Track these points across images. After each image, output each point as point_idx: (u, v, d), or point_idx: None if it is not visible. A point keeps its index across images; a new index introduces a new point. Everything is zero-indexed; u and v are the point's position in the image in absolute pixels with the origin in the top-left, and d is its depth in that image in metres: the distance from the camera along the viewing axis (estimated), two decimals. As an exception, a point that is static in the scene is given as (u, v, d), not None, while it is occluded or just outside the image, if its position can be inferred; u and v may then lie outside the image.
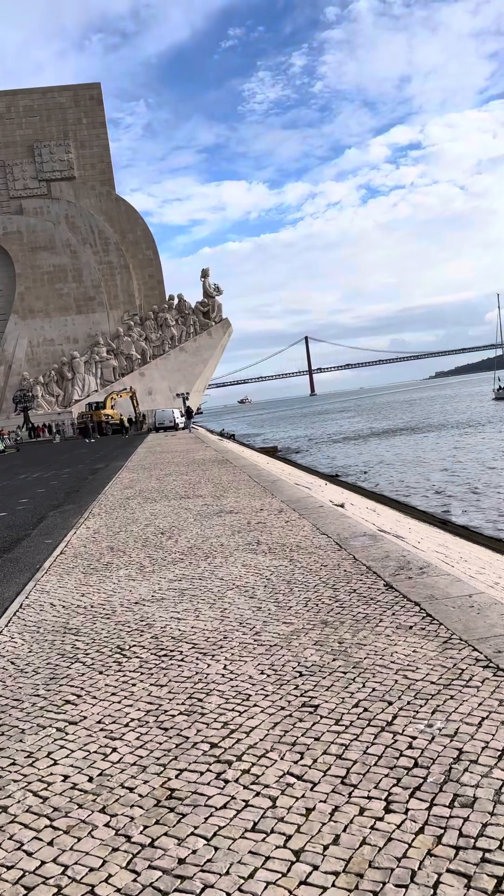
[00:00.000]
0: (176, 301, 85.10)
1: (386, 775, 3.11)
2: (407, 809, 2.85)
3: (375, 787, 3.02)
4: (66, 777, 3.35)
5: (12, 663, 5.07)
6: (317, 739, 3.47)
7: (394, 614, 5.23)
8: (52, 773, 3.39)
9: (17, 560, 9.02)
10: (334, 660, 4.46)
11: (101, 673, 4.66)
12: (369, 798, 2.95)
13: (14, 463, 34.38)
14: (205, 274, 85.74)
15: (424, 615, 5.14)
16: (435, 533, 13.44)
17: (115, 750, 3.58)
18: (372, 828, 2.75)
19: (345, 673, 4.23)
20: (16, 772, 3.44)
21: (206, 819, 2.90)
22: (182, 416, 58.71)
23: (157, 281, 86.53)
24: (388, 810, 2.86)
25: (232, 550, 8.18)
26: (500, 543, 15.73)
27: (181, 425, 57.75)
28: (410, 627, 4.91)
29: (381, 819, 2.80)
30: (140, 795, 3.13)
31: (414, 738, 3.40)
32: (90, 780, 3.31)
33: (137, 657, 4.88)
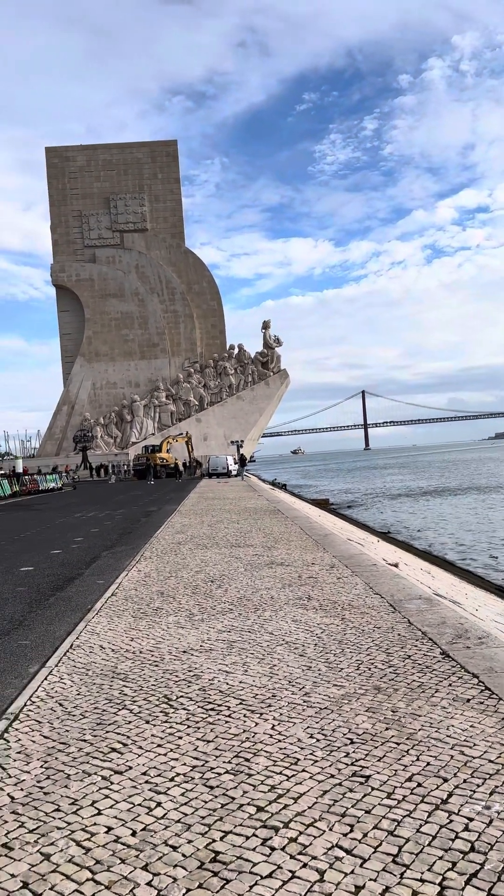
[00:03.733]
0: (236, 350, 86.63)
1: (440, 857, 2.96)
2: (463, 898, 2.70)
3: (429, 870, 2.87)
4: (109, 829, 3.30)
5: (60, 705, 5.07)
6: (367, 812, 3.34)
7: (450, 685, 5.05)
8: (95, 824, 3.35)
9: (70, 599, 9.11)
10: (387, 729, 4.31)
11: (147, 722, 4.61)
12: (422, 881, 2.81)
13: (71, 501, 35.05)
14: (266, 325, 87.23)
15: (483, 688, 4.94)
16: (492, 600, 13.00)
17: (159, 804, 3.52)
18: (425, 915, 2.61)
19: (398, 744, 4.08)
20: (60, 818, 3.41)
21: (251, 887, 2.80)
22: (235, 464, 59.01)
23: (219, 330, 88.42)
24: (442, 897, 2.72)
25: (282, 604, 8.08)
26: None
27: (234, 472, 57.99)
28: (468, 700, 4.73)
29: (434, 906, 2.66)
30: (184, 855, 3.05)
31: (471, 819, 3.24)
32: (133, 833, 3.25)
33: (185, 709, 4.83)
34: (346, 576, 9.77)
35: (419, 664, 5.59)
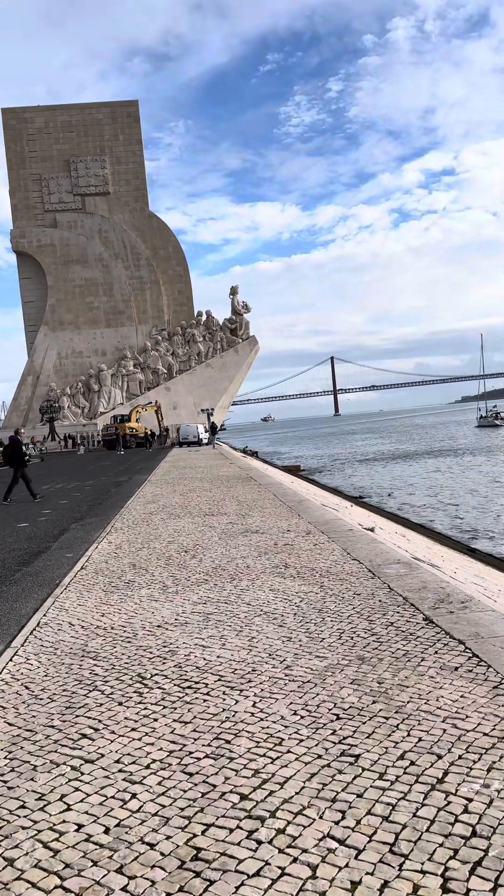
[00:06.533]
0: (204, 317, 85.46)
1: (440, 844, 2.74)
2: (468, 890, 2.48)
3: (429, 860, 2.65)
4: (80, 826, 3.02)
5: (27, 688, 4.76)
6: (359, 796, 3.11)
7: (436, 653, 4.85)
8: (64, 821, 3.07)
9: (37, 574, 8.75)
10: (374, 702, 4.09)
11: (120, 704, 4.33)
12: (423, 872, 2.58)
13: (38, 473, 34.35)
14: (234, 291, 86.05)
15: (470, 655, 4.75)
16: (468, 562, 12.96)
17: (134, 796, 3.25)
18: (428, 912, 2.39)
19: (387, 718, 3.86)
20: (25, 817, 3.12)
21: (237, 889, 2.55)
22: (206, 432, 58.63)
23: (186, 297, 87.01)
24: (445, 889, 2.49)
25: (258, 573, 7.84)
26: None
27: (205, 441, 57.63)
28: (456, 669, 4.53)
29: (438, 901, 2.44)
30: (162, 854, 2.79)
31: (469, 800, 3.02)
32: (106, 831, 2.98)
33: (160, 688, 4.55)
34: (323, 542, 9.56)
35: (403, 631, 5.39)
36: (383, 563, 7.98)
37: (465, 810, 2.95)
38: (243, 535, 10.58)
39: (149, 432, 63.61)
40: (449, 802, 3.01)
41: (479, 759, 3.36)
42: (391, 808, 3.01)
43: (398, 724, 3.78)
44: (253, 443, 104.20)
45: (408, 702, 4.06)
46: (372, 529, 11.58)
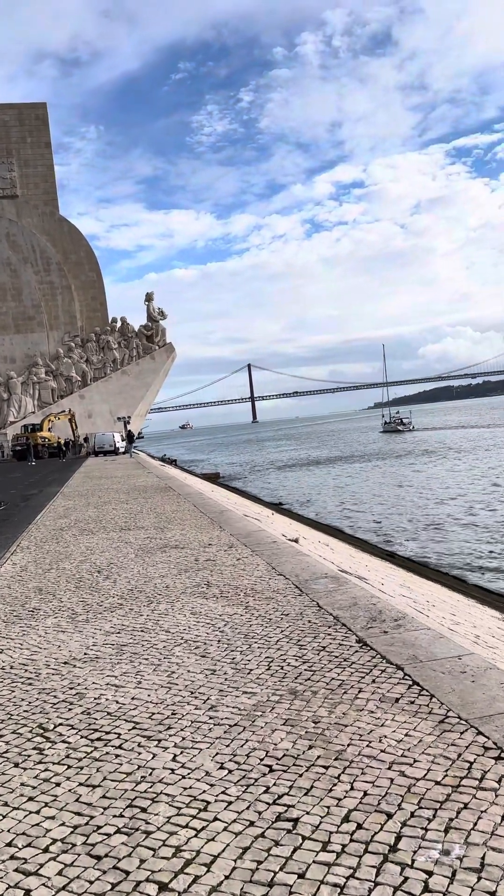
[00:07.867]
0: (119, 324, 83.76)
1: (400, 939, 2.28)
2: None
3: None
4: None
5: None
6: (301, 876, 2.62)
7: (374, 681, 4.43)
8: None
9: None
10: (311, 747, 3.61)
11: (16, 765, 3.68)
12: None
13: None
14: (149, 298, 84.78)
15: (411, 683, 4.36)
16: (391, 570, 12.78)
17: (28, 894, 2.64)
18: None
19: (326, 768, 3.39)
20: None
21: None
22: (123, 441, 57.36)
23: (99, 303, 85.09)
24: None
25: (178, 594, 7.28)
26: (448, 578, 15.27)
27: (122, 450, 56.34)
28: (397, 700, 4.12)
29: None
30: None
31: (429, 873, 2.58)
32: None
33: (64, 741, 3.93)
34: (247, 556, 9.08)
35: (336, 657, 4.96)
36: (310, 577, 7.58)
37: (426, 889, 2.50)
38: (162, 550, 9.98)
39: (62, 442, 61.61)
40: (406, 878, 2.56)
41: (434, 816, 2.93)
42: (339, 890, 2.53)
43: (339, 775, 3.32)
44: (171, 451, 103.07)
45: (348, 745, 3.61)
46: (296, 540, 11.20)
